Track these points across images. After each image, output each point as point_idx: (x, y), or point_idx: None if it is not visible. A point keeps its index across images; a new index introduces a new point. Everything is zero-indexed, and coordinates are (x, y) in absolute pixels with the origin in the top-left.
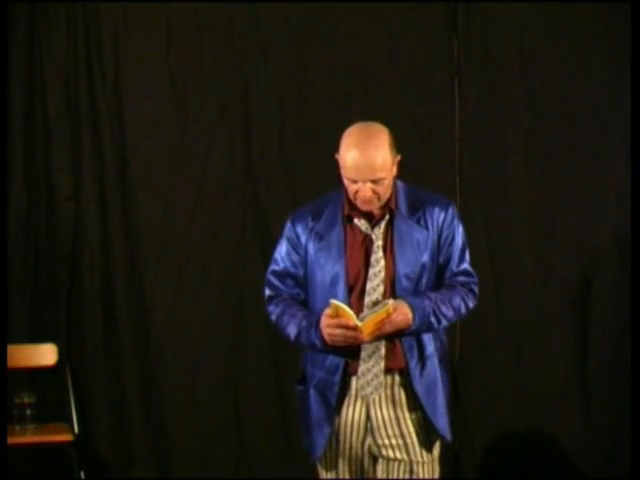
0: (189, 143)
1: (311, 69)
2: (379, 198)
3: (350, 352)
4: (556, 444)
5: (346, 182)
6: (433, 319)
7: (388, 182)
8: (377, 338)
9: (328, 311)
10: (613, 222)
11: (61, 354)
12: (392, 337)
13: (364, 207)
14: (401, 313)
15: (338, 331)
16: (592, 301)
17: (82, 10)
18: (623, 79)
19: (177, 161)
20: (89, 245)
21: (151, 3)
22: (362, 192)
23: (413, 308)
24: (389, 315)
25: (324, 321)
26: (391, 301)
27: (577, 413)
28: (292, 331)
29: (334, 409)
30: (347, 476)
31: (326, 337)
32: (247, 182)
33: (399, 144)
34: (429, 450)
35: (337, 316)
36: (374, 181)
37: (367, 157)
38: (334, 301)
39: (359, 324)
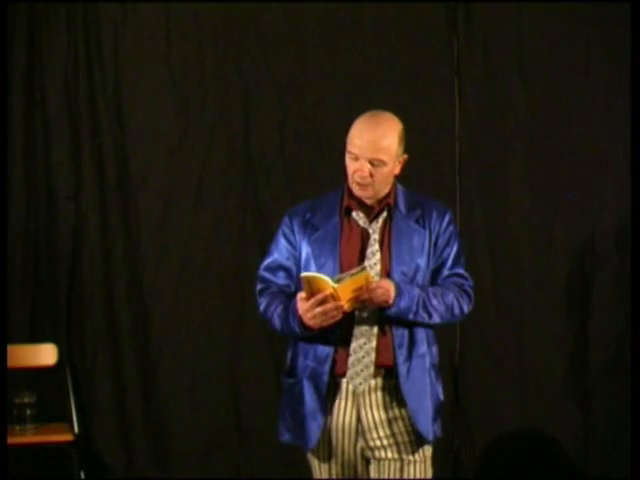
0: (189, 143)
1: (311, 69)
2: (374, 185)
3: (339, 339)
4: (556, 444)
5: (347, 160)
6: (422, 309)
7: (387, 171)
8: (357, 306)
9: (302, 294)
10: (613, 222)
11: (61, 354)
12: (387, 323)
13: (359, 192)
14: (382, 287)
15: (317, 310)
16: (592, 301)
17: (82, 10)
18: (623, 79)
19: (177, 161)
20: (89, 245)
21: (151, 3)
22: (359, 171)
23: (399, 289)
24: (368, 282)
25: (301, 307)
26: (367, 267)
27: (577, 413)
28: (277, 323)
29: (325, 398)
30: (340, 477)
31: (309, 322)
32: (247, 182)
33: None
34: (421, 450)
35: (312, 293)
36: (373, 162)
37: (373, 134)
38: (304, 274)
39: (335, 286)
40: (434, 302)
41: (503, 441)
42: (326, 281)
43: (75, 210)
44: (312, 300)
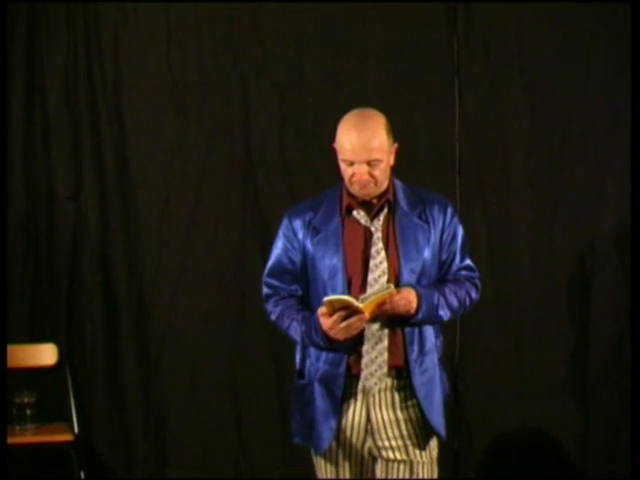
0: (189, 143)
1: (311, 69)
2: (376, 183)
3: (351, 341)
4: (556, 444)
5: (342, 166)
6: (441, 311)
7: (384, 167)
8: (377, 317)
9: (323, 310)
10: (613, 222)
11: (61, 354)
12: (397, 324)
13: (361, 193)
14: (404, 298)
15: (342, 325)
16: (592, 301)
17: (82, 10)
18: (623, 79)
19: (177, 161)
20: (89, 245)
21: (151, 3)
22: (358, 175)
23: (420, 297)
24: (392, 296)
25: (324, 324)
26: (393, 286)
27: (577, 413)
28: (295, 335)
29: (340, 401)
30: (346, 475)
31: (334, 337)
32: (247, 182)
33: (399, 144)
34: (429, 451)
35: (334, 311)
36: (370, 163)
37: (364, 137)
38: (326, 298)
39: (361, 306)
40: (451, 300)
41: (503, 441)
42: (351, 302)
43: (75, 210)
44: (335, 317)
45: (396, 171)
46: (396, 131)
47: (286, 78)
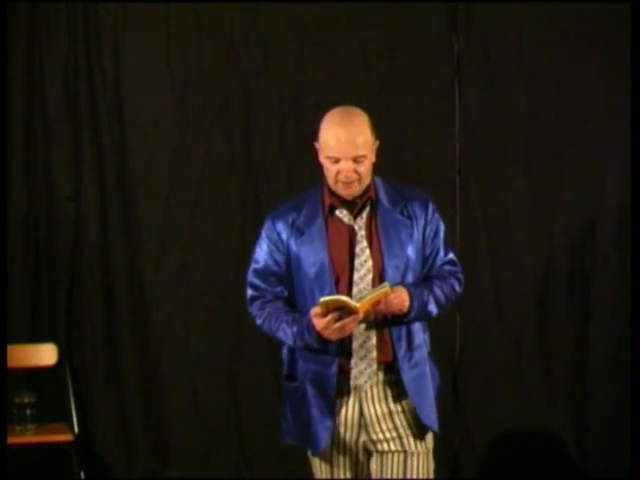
0: (189, 143)
1: (311, 69)
2: (360, 180)
3: (340, 346)
4: (556, 444)
5: (327, 164)
6: (430, 306)
7: (369, 163)
8: (369, 315)
9: (317, 310)
10: (612, 222)
11: (61, 354)
12: (388, 322)
13: (345, 191)
14: (397, 296)
15: (336, 325)
16: (592, 301)
17: (82, 10)
18: (623, 79)
19: (177, 161)
20: (89, 245)
21: (151, 3)
22: (344, 172)
23: (412, 296)
24: (387, 295)
25: (318, 324)
26: (388, 285)
27: (577, 413)
28: (284, 337)
29: (333, 401)
30: (342, 472)
31: (328, 337)
32: (247, 182)
33: (399, 144)
34: (423, 441)
35: (328, 311)
36: (356, 159)
37: (350, 134)
38: (322, 299)
39: (358, 305)
40: (438, 295)
41: (503, 441)
42: (348, 302)
43: (75, 210)
44: (329, 317)
45: (396, 170)
46: (396, 131)
47: (286, 78)
